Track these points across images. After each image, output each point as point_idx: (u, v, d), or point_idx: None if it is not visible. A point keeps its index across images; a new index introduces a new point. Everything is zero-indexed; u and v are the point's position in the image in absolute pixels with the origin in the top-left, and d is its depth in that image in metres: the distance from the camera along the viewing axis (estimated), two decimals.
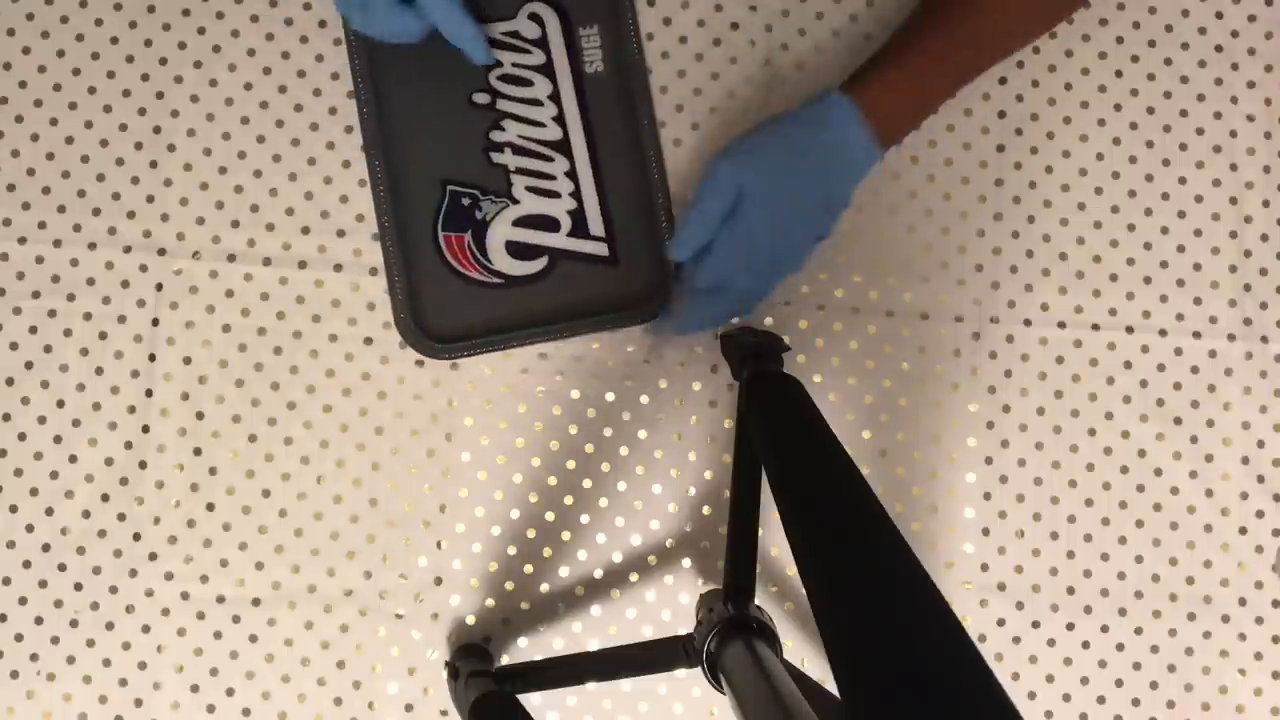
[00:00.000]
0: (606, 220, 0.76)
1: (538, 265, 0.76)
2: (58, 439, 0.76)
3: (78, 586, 0.76)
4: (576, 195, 0.76)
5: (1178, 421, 0.79)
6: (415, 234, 0.75)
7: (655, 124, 0.77)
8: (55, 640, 0.76)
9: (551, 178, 0.76)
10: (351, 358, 0.77)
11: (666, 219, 0.76)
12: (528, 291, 0.76)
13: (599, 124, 0.76)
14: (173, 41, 0.77)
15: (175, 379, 0.77)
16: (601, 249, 0.76)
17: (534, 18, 0.75)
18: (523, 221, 0.76)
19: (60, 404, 0.76)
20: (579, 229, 0.76)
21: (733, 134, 0.77)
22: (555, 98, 0.76)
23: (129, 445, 0.76)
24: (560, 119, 0.76)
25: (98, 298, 0.76)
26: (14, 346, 0.76)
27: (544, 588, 0.78)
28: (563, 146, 0.76)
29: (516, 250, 0.76)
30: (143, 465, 0.76)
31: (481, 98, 0.75)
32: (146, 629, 0.76)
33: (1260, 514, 0.79)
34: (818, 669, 0.76)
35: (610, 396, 0.78)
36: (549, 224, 0.76)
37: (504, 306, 0.76)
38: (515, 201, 0.76)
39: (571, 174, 0.76)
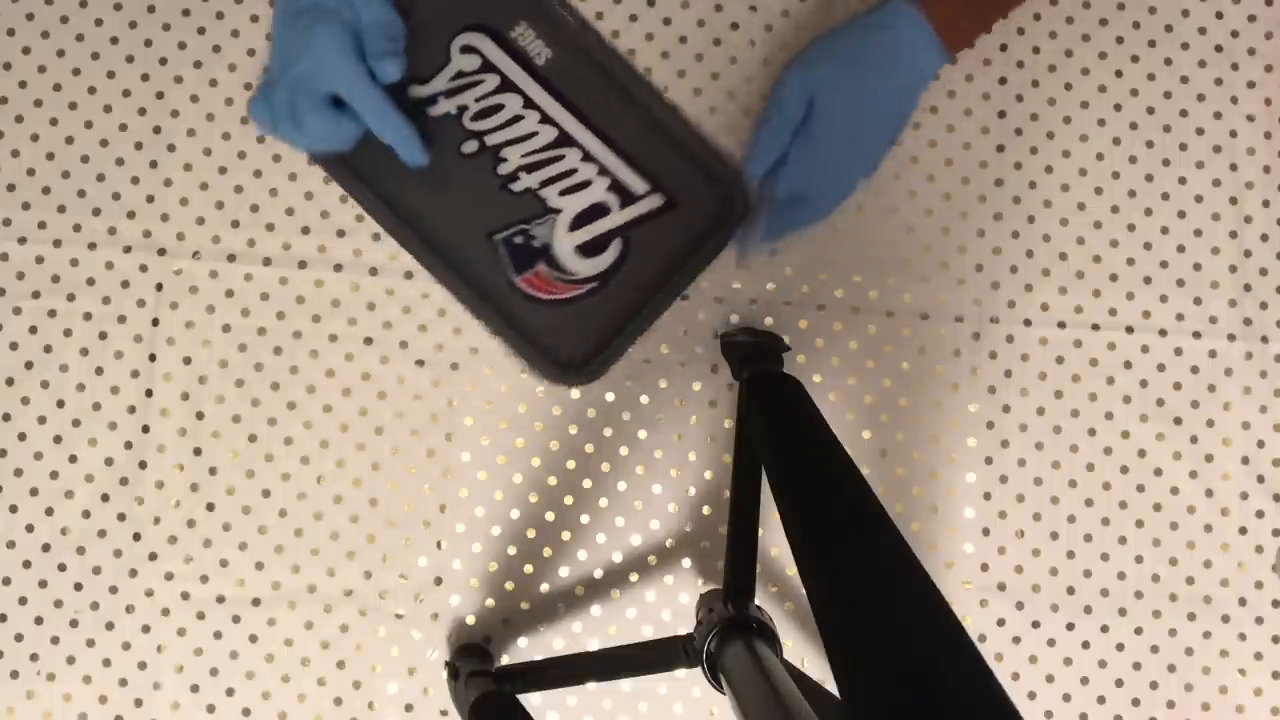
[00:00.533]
0: (643, 173, 0.76)
1: (616, 250, 0.76)
2: (58, 439, 0.76)
3: (78, 586, 0.76)
4: (604, 171, 0.76)
5: (1178, 421, 0.79)
6: (498, 294, 0.75)
7: (627, 61, 0.77)
8: (55, 640, 0.76)
9: (573, 171, 0.76)
10: (351, 358, 0.77)
11: (690, 135, 0.76)
12: (624, 275, 0.76)
13: (581, 98, 0.76)
14: (173, 41, 0.77)
15: (175, 379, 0.77)
16: (657, 200, 0.76)
17: (465, 49, 0.75)
18: (576, 222, 0.76)
19: (60, 404, 0.76)
20: (626, 197, 0.76)
21: (734, 136, 0.77)
22: (530, 104, 0.75)
23: (129, 445, 0.76)
24: (546, 118, 0.76)
25: (98, 298, 0.76)
26: (14, 346, 0.76)
27: (544, 588, 0.78)
28: (564, 140, 0.76)
29: (589, 249, 0.76)
30: (143, 465, 0.76)
31: (470, 146, 0.75)
32: (146, 629, 0.76)
33: (1260, 514, 0.79)
34: (818, 669, 0.76)
35: (610, 396, 0.78)
36: (600, 210, 0.76)
37: (613, 301, 0.76)
38: (557, 211, 0.76)
39: (588, 157, 0.76)
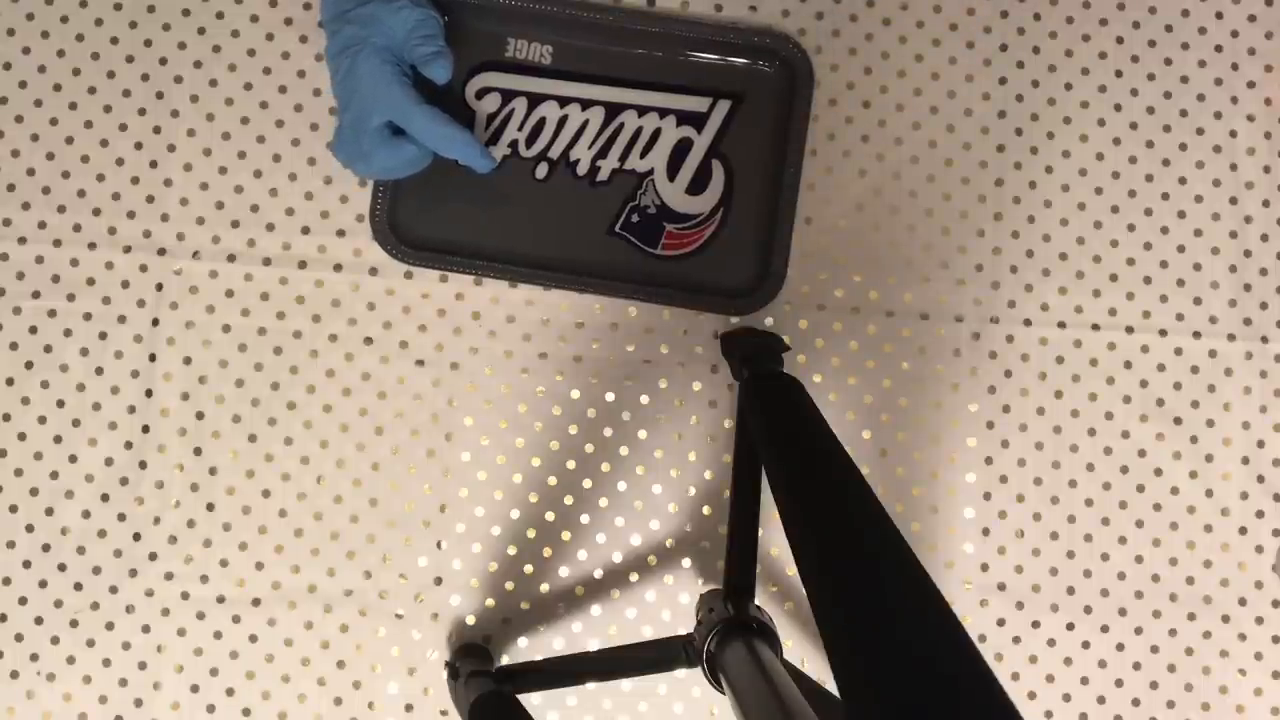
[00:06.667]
0: (696, 90, 0.77)
1: (719, 170, 0.77)
2: (58, 439, 0.76)
3: (78, 586, 0.76)
4: (664, 112, 0.77)
5: (1178, 421, 0.79)
6: (650, 274, 0.77)
7: (616, 7, 0.77)
8: (55, 640, 0.76)
9: (638, 130, 0.77)
10: (351, 358, 0.77)
11: (712, 28, 0.76)
12: (740, 186, 0.77)
13: (601, 67, 0.76)
14: (173, 41, 0.77)
15: (175, 379, 0.77)
16: (723, 105, 0.76)
17: (480, 93, 0.76)
18: (671, 170, 0.77)
19: (60, 404, 0.76)
20: (697, 120, 0.77)
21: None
22: (563, 102, 0.76)
23: (129, 445, 0.76)
24: (585, 104, 0.76)
25: (98, 298, 0.76)
26: (14, 346, 0.76)
27: (544, 588, 0.78)
28: (612, 110, 0.77)
29: (695, 186, 0.77)
30: (143, 465, 0.76)
31: (541, 170, 0.77)
32: (146, 629, 0.76)
33: (1260, 514, 0.79)
34: (818, 669, 0.76)
35: (610, 396, 0.78)
36: (683, 147, 0.77)
37: (746, 213, 0.77)
38: (649, 172, 0.77)
39: (642, 110, 0.77)
